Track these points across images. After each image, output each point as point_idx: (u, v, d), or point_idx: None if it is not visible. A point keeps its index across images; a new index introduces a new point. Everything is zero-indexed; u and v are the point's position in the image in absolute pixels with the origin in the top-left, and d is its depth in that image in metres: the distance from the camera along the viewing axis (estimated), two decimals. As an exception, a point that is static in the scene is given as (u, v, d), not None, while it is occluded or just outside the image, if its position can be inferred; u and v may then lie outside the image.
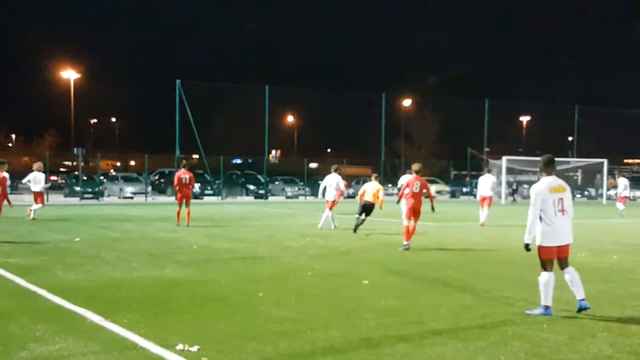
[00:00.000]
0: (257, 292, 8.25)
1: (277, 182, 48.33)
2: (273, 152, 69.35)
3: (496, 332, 6.27)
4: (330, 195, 18.59)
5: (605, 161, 47.27)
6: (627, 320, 6.80)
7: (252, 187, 46.46)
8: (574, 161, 51.75)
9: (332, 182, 18.71)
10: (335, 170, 19.24)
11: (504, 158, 46.08)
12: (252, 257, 11.96)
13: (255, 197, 45.07)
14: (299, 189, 47.68)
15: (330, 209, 18.54)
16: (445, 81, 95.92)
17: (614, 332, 6.29)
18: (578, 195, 53.36)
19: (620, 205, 25.86)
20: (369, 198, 16.92)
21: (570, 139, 61.67)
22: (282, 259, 11.67)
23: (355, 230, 16.75)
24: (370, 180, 17.88)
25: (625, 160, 76.88)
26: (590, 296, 8.13)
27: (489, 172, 24.39)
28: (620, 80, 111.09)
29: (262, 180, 46.08)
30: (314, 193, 48.16)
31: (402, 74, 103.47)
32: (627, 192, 26.44)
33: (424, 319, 6.80)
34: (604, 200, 47.33)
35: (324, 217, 18.66)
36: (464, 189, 57.20)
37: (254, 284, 8.93)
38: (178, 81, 41.73)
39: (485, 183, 22.25)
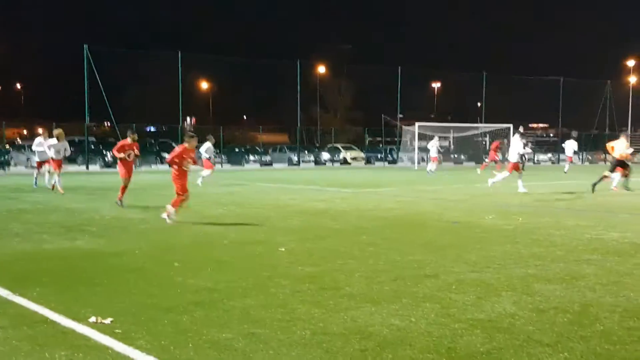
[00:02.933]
0: (173, 262, 8.19)
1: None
2: (188, 119, 68.17)
3: (408, 294, 6.47)
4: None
5: (511, 126, 48.96)
6: (529, 279, 7.14)
7: (166, 155, 45.67)
8: (483, 126, 53.36)
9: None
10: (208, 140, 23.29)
11: (417, 124, 46.99)
12: (168, 227, 11.81)
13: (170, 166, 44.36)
14: (215, 156, 47.20)
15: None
16: (360, 48, 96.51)
17: (517, 291, 6.61)
18: (486, 160, 55.23)
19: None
20: None
21: (479, 104, 63.50)
22: (198, 228, 11.59)
23: None
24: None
25: (530, 125, 79.81)
26: (496, 257, 8.51)
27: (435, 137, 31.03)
28: (528, 48, 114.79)
29: (177, 148, 45.31)
30: (231, 161, 47.87)
31: (316, 42, 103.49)
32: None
33: (339, 285, 6.94)
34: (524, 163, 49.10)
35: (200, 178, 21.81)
36: (379, 155, 58.11)
37: (170, 254, 8.85)
38: (85, 46, 40.25)
39: (432, 144, 31.45)
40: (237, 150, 51.36)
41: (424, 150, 52.58)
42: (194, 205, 13.80)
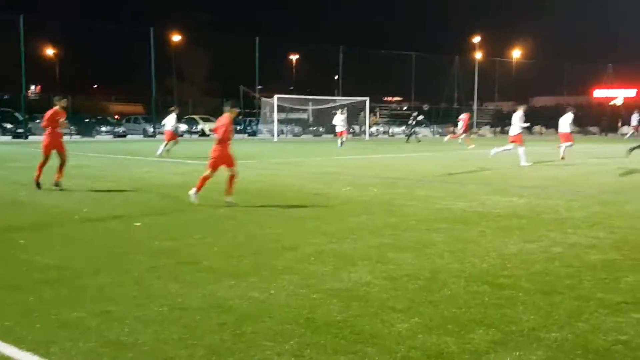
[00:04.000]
0: (18, 240, 7.70)
1: (37, 121, 44.95)
2: (32, 87, 64.08)
3: (267, 267, 6.49)
4: None
5: (367, 99, 50.36)
6: (384, 248, 7.39)
7: (8, 125, 42.76)
8: (340, 99, 54.38)
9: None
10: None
11: (276, 96, 47.08)
12: (12, 202, 11.08)
13: (14, 137, 41.66)
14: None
15: None
16: (218, 17, 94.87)
17: (372, 260, 6.82)
18: (456, 131, 56.44)
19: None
20: None
21: (336, 77, 64.68)
22: (46, 204, 10.97)
23: None
24: None
25: (385, 98, 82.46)
26: (353, 228, 8.73)
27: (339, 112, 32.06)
28: (382, 22, 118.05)
29: (21, 118, 42.54)
30: (80, 132, 45.59)
31: (170, 9, 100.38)
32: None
33: (197, 259, 6.83)
34: (367, 136, 50.65)
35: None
36: (238, 127, 57.67)
37: (14, 232, 8.31)
38: None
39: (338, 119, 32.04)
40: (87, 120, 48.82)
41: (284, 122, 52.99)
42: (41, 179, 13.01)
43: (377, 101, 67.95)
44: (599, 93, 78.99)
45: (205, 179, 10.88)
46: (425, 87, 70.95)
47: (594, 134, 65.05)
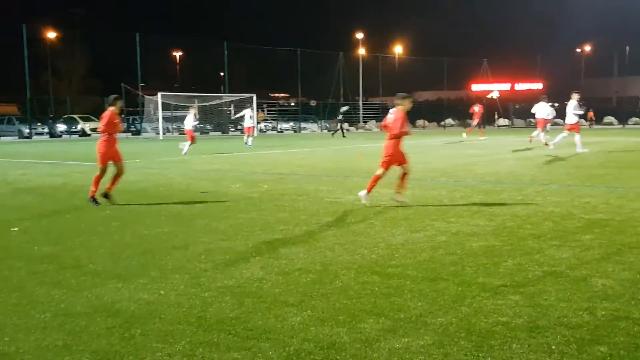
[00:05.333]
0: None
1: None
2: None
3: (157, 267, 6.34)
4: None
5: (254, 96, 50.27)
6: (276, 244, 7.40)
7: None
8: (226, 96, 53.93)
9: None
10: None
11: (159, 94, 46.07)
12: None
13: None
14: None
15: None
16: (94, 13, 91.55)
17: (264, 255, 6.81)
18: (233, 129, 56.17)
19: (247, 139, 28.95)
20: None
21: (222, 74, 64.09)
22: None
23: None
24: None
25: (272, 95, 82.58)
26: (244, 225, 8.69)
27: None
28: (267, 19, 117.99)
29: None
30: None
31: (44, 4, 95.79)
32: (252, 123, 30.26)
33: (81, 263, 6.57)
34: (256, 132, 50.41)
35: None
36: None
37: None
38: None
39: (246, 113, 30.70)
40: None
41: (170, 120, 51.94)
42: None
43: (265, 97, 68.00)
44: (476, 87, 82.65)
45: (377, 178, 10.20)
46: (312, 83, 71.69)
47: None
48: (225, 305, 5.09)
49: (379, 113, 70.18)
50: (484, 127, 36.82)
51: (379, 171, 10.13)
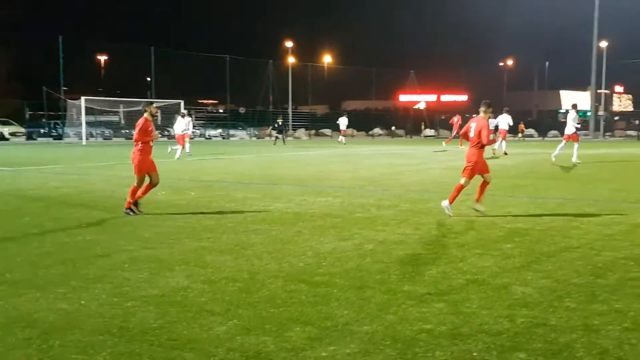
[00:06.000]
0: None
1: None
2: None
3: (77, 276, 6.15)
4: None
5: (182, 102, 49.60)
6: (202, 252, 7.30)
7: None
8: (153, 102, 53.01)
9: None
10: None
11: (83, 98, 44.89)
12: None
13: None
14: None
15: None
16: (16, 14, 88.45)
17: (190, 264, 6.70)
18: (160, 135, 55.15)
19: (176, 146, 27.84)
20: None
21: (148, 79, 63.03)
22: None
23: None
24: None
25: (200, 101, 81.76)
26: (170, 232, 8.54)
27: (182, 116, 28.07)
28: (196, 25, 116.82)
29: None
30: None
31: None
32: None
33: (-3, 271, 6.31)
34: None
35: None
36: (42, 130, 54.40)
37: None
38: None
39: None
40: None
41: (93, 125, 50.66)
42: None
43: (193, 104, 67.21)
44: (403, 98, 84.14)
45: (461, 188, 9.94)
46: (241, 90, 71.37)
47: (400, 136, 69.20)
48: (148, 315, 4.98)
49: (309, 121, 70.50)
50: (411, 137, 37.78)
51: (462, 180, 9.98)
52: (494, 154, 25.50)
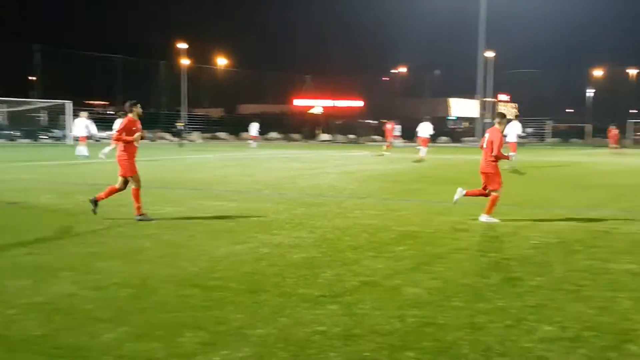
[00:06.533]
0: None
1: None
2: None
3: (-47, 284, 5.78)
4: None
5: (71, 102, 47.82)
6: (90, 257, 7.02)
7: None
8: (38, 102, 50.87)
9: None
10: None
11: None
12: None
13: None
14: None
15: None
16: None
17: (78, 270, 6.44)
18: (44, 137, 52.87)
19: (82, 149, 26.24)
20: None
21: (31, 79, 60.29)
22: None
23: None
24: None
25: (87, 102, 78.90)
26: (55, 237, 8.18)
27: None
28: (85, 23, 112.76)
29: None
30: None
31: None
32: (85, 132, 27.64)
33: None
34: (71, 140, 47.90)
35: None
36: None
37: None
38: None
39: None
40: None
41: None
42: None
43: (80, 104, 64.85)
44: (298, 102, 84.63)
45: (496, 199, 9.99)
46: (132, 91, 69.44)
47: (297, 140, 69.58)
48: (30, 323, 4.75)
49: (204, 125, 69.58)
50: (307, 142, 38.19)
51: (495, 192, 10.04)
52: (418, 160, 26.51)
